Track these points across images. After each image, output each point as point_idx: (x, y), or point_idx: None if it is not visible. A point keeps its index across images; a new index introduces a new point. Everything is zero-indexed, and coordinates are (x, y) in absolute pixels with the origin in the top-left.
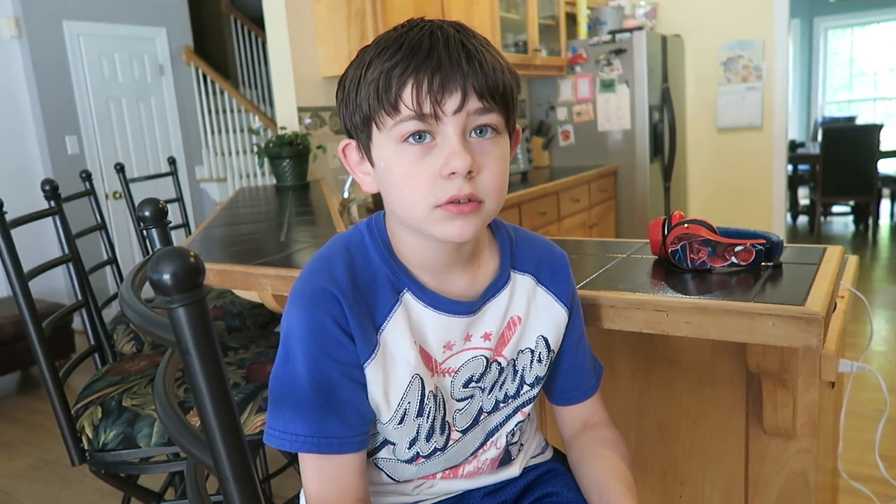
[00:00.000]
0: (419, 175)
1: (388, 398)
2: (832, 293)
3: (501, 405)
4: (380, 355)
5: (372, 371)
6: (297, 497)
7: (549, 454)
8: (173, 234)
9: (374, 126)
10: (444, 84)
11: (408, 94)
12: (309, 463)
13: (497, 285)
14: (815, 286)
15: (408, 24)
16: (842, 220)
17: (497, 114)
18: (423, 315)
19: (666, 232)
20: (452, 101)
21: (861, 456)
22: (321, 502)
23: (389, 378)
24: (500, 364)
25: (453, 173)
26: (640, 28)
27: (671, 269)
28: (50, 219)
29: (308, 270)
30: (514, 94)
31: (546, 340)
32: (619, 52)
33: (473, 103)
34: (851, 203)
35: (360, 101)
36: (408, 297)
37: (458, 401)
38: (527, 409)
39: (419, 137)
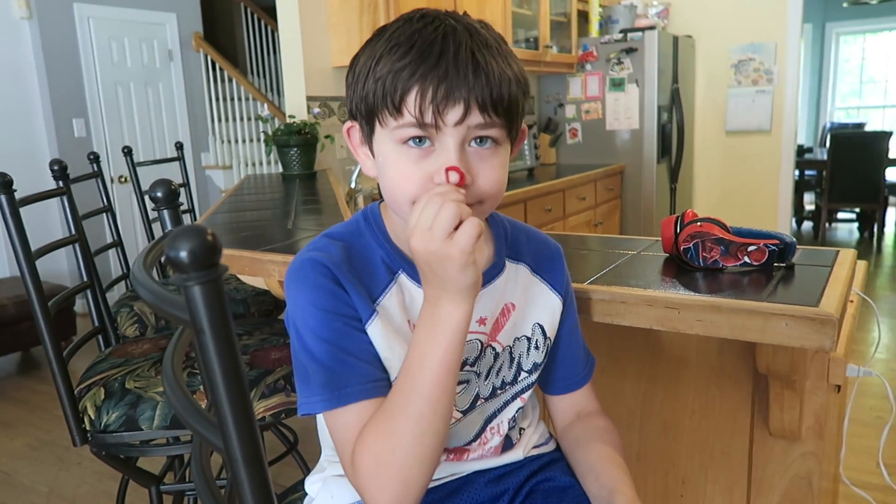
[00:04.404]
0: (413, 175)
1: (392, 364)
2: (845, 296)
3: (499, 391)
4: (380, 321)
5: (374, 332)
6: (301, 483)
7: (552, 445)
8: None
9: (376, 121)
10: (447, 95)
11: (411, 100)
12: (330, 421)
13: (492, 272)
14: (829, 288)
15: (422, 17)
16: (846, 226)
17: (499, 127)
18: (416, 295)
19: (678, 229)
20: (454, 114)
21: (862, 463)
22: (347, 451)
23: (392, 346)
24: (494, 349)
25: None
26: (651, 28)
27: (683, 267)
28: (53, 201)
29: (300, 251)
30: (519, 104)
31: (542, 328)
32: (630, 51)
33: (475, 117)
34: (856, 210)
35: (366, 92)
36: (403, 277)
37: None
38: (526, 396)
39: (419, 141)
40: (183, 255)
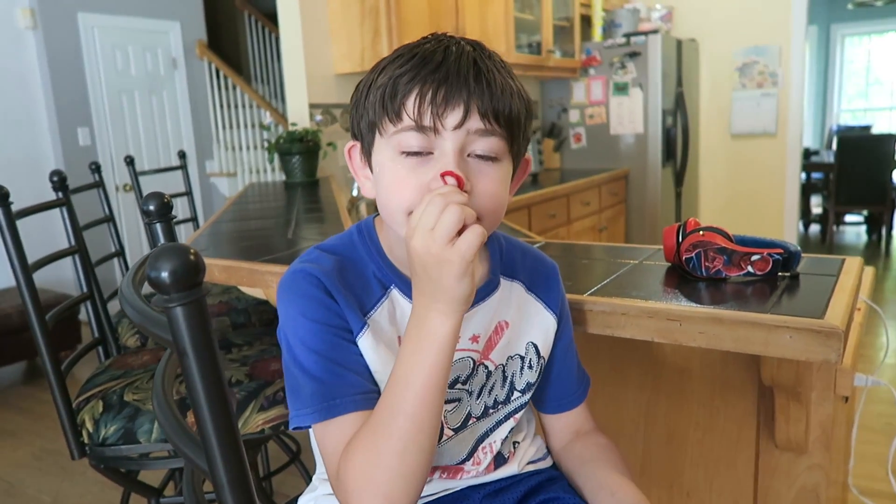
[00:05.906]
0: (408, 184)
1: (382, 378)
2: (852, 306)
3: (491, 411)
4: (371, 334)
5: (364, 345)
6: (294, 502)
7: (549, 461)
8: (182, 228)
9: (377, 132)
10: (447, 98)
11: (411, 103)
12: (319, 433)
13: (487, 289)
14: (835, 299)
15: (430, 36)
16: (854, 229)
17: (499, 138)
18: (407, 311)
19: (680, 239)
20: (454, 117)
21: (872, 471)
22: (333, 464)
23: (383, 360)
24: (487, 368)
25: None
26: (655, 31)
27: (685, 277)
28: (58, 209)
29: (293, 263)
30: (521, 120)
31: (536, 347)
32: (633, 55)
33: (475, 122)
34: (864, 213)
35: (368, 105)
36: (395, 292)
37: (446, 402)
38: (519, 416)
39: (416, 152)
40: (164, 275)
